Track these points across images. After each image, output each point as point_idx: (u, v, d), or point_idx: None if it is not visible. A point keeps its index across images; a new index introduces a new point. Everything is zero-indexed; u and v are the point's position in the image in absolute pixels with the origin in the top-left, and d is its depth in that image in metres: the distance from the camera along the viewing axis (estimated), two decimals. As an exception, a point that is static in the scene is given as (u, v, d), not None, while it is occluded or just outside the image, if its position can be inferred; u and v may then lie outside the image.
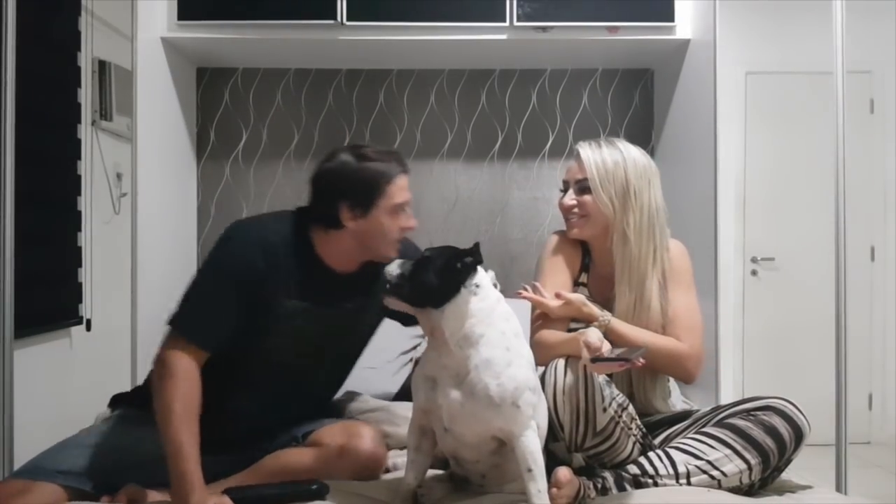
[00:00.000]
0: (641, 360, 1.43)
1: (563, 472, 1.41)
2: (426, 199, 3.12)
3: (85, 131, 2.28)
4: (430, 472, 1.54)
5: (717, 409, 1.63)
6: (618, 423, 1.48)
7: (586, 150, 1.73)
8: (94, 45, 2.33)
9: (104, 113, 2.35)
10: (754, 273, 3.98)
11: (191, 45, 2.75)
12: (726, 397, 3.68)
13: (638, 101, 3.13)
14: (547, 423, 1.47)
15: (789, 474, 1.58)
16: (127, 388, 2.44)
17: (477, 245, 1.41)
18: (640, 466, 1.48)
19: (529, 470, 1.34)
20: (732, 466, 1.46)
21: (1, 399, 1.73)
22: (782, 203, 3.94)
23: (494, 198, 3.13)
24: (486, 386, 1.33)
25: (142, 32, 2.50)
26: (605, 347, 1.42)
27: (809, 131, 3.64)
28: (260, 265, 1.55)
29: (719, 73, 2.48)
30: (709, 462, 1.47)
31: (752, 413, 1.53)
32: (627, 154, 1.71)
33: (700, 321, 1.75)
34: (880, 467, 3.46)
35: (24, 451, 1.84)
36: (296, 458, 1.60)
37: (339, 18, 2.61)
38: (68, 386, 2.20)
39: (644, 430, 1.56)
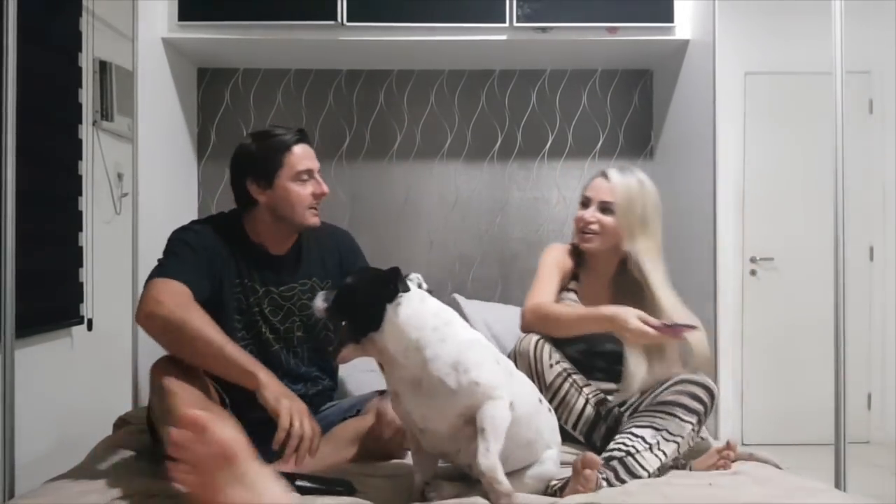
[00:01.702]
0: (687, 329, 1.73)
1: (593, 456, 1.51)
2: (426, 199, 3.12)
3: (86, 131, 2.29)
4: (445, 467, 1.58)
5: (647, 393, 1.83)
6: (566, 378, 1.81)
7: (616, 176, 1.96)
8: (94, 46, 2.33)
9: (105, 113, 2.36)
10: (753, 273, 3.99)
11: (191, 45, 2.75)
12: (725, 397, 3.70)
13: (637, 101, 3.14)
14: (522, 400, 1.50)
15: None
16: (128, 389, 2.45)
17: (397, 271, 1.43)
18: (621, 449, 1.65)
19: (482, 429, 1.38)
20: (683, 431, 1.69)
21: (2, 399, 1.73)
22: (781, 203, 3.95)
23: (494, 198, 3.14)
24: (440, 380, 1.39)
25: (142, 33, 2.50)
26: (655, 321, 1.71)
27: (808, 132, 3.65)
28: (210, 243, 1.71)
29: (718, 73, 2.49)
30: (667, 431, 1.68)
31: (676, 386, 1.76)
32: (648, 186, 1.96)
33: None
34: (879, 467, 3.46)
35: (26, 450, 1.85)
36: (368, 424, 1.76)
37: (339, 19, 2.61)
38: (70, 385, 2.21)
39: (604, 396, 1.86)
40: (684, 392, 1.74)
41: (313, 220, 1.78)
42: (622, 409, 1.87)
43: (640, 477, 1.60)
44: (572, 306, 1.93)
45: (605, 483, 1.54)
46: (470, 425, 1.42)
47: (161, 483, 1.46)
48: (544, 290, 1.96)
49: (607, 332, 1.79)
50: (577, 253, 2.06)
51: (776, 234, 3.96)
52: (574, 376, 1.83)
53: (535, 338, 1.83)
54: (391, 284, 1.42)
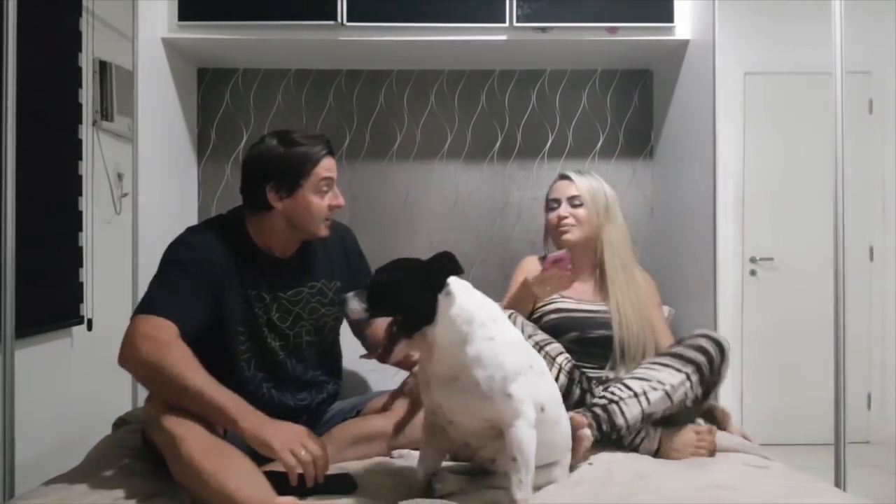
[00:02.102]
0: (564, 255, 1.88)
1: (579, 417, 1.67)
2: (426, 199, 3.12)
3: (86, 131, 2.29)
4: (448, 465, 1.61)
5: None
6: (539, 350, 1.84)
7: (575, 175, 2.19)
8: (94, 46, 2.33)
9: (105, 113, 2.36)
10: (753, 273, 3.99)
11: (191, 45, 2.75)
12: (725, 396, 3.70)
13: (637, 101, 3.14)
14: (552, 402, 1.51)
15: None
16: (128, 389, 2.45)
17: (451, 256, 1.38)
18: (606, 397, 1.78)
19: (514, 459, 1.37)
20: (674, 379, 1.78)
21: (2, 399, 1.73)
22: (781, 203, 3.96)
23: (494, 198, 3.14)
24: (477, 381, 1.37)
25: (142, 33, 2.51)
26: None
27: (808, 132, 3.65)
28: (213, 257, 1.62)
29: (718, 73, 2.49)
30: (658, 381, 1.77)
31: (681, 341, 1.87)
32: (603, 182, 2.19)
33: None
34: (879, 467, 3.47)
35: (26, 450, 1.85)
36: (369, 424, 1.73)
37: (339, 19, 2.61)
38: (69, 385, 2.21)
39: (575, 364, 1.91)
40: (689, 344, 1.83)
41: (325, 231, 1.73)
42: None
43: (618, 425, 1.73)
44: (510, 294, 2.10)
45: (588, 433, 1.66)
46: (497, 427, 1.41)
47: (161, 484, 1.46)
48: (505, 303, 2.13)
49: (537, 297, 1.97)
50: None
51: (776, 234, 3.96)
52: (547, 347, 1.88)
53: (506, 314, 1.85)
54: (442, 272, 1.37)
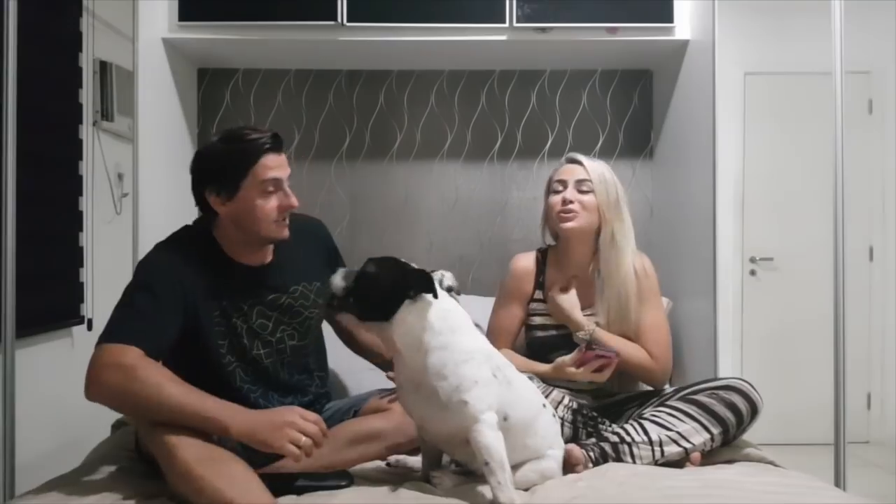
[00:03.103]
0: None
1: (578, 452, 1.59)
2: (426, 199, 3.12)
3: (86, 132, 2.29)
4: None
5: (680, 389, 1.82)
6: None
7: (586, 159, 2.02)
8: (95, 46, 2.33)
9: (105, 113, 2.36)
10: (753, 273, 3.99)
11: (192, 45, 2.75)
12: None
13: (637, 101, 3.14)
14: (519, 410, 1.52)
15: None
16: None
17: (429, 279, 1.43)
18: (619, 435, 1.68)
19: (486, 464, 1.38)
20: (699, 437, 1.68)
21: (3, 399, 1.74)
22: (781, 203, 3.96)
23: (494, 198, 3.14)
24: (435, 390, 1.40)
25: (143, 33, 2.51)
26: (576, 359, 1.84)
27: (808, 132, 3.65)
28: (180, 276, 1.55)
29: (718, 73, 2.49)
30: (679, 433, 1.67)
31: (715, 392, 1.73)
32: (612, 172, 2.03)
33: (668, 335, 2.02)
34: (879, 467, 3.47)
35: (26, 450, 1.85)
36: (367, 424, 1.70)
37: (339, 19, 2.61)
38: (70, 385, 2.19)
39: (576, 408, 1.79)
40: (722, 398, 1.71)
41: (283, 233, 1.63)
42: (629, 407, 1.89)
43: (625, 463, 1.64)
44: (532, 365, 1.95)
45: (591, 465, 1.63)
46: (463, 433, 1.42)
47: (161, 485, 1.46)
48: (499, 337, 2.03)
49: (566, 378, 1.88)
50: (541, 260, 2.12)
51: (776, 234, 3.97)
52: (547, 399, 1.74)
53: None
54: (416, 285, 1.42)
